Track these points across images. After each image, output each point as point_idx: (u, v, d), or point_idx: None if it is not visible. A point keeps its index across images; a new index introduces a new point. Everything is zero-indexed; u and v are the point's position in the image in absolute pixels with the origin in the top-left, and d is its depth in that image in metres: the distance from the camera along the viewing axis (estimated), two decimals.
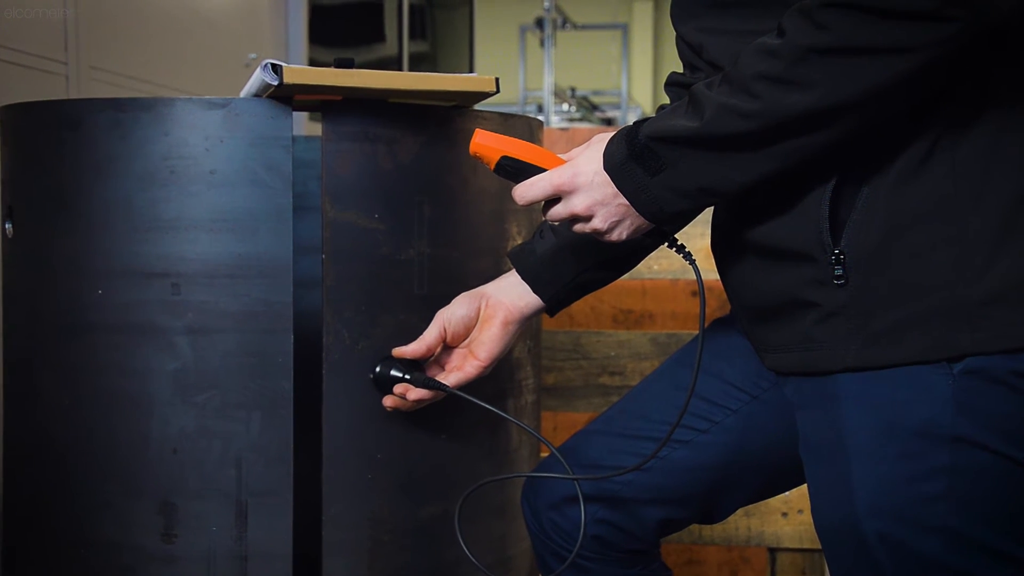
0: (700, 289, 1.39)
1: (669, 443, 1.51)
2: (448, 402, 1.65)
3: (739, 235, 1.33)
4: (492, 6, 12.52)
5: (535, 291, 1.57)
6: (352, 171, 1.64)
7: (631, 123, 1.28)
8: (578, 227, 1.33)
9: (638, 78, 15.83)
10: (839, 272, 1.21)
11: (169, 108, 1.62)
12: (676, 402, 1.50)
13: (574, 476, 1.51)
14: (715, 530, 2.57)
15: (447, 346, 1.61)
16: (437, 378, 1.59)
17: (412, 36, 6.10)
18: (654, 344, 2.59)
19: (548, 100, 10.97)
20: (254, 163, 1.62)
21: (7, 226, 1.76)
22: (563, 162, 1.33)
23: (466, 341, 1.61)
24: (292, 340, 1.63)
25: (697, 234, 2.38)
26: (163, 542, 1.63)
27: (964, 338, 1.18)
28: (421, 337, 1.59)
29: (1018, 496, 1.21)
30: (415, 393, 1.57)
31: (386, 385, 1.61)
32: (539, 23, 10.97)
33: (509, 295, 1.58)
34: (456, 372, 1.59)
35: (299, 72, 1.54)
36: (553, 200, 1.34)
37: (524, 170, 1.35)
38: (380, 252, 1.66)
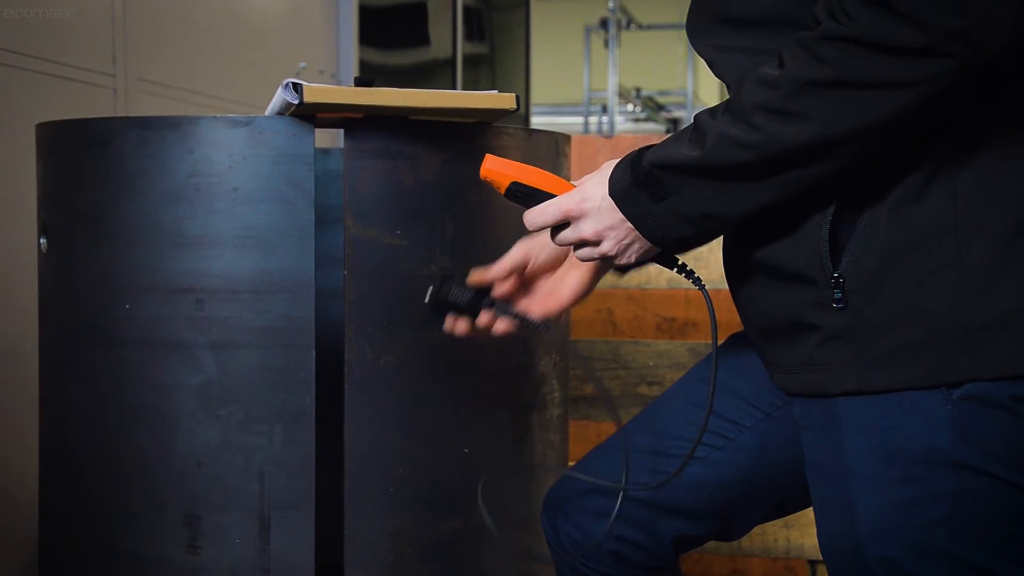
0: (710, 311, 1.39)
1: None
2: (470, 412, 1.66)
3: (744, 254, 1.33)
4: (556, 7, 12.51)
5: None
6: (374, 188, 1.66)
7: (635, 149, 1.28)
8: (584, 252, 1.33)
9: (704, 77, 15.71)
10: (838, 296, 1.21)
11: (194, 126, 1.65)
12: (692, 418, 1.50)
13: (622, 487, 1.49)
14: (754, 541, 2.56)
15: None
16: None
17: (469, 38, 6.13)
18: (693, 354, 2.58)
19: (613, 101, 10.94)
20: (277, 180, 1.64)
21: (42, 241, 1.80)
22: (572, 187, 1.33)
23: (544, 278, 1.50)
24: (314, 355, 1.65)
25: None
26: (188, 554, 1.66)
27: (963, 364, 1.17)
28: (501, 261, 1.46)
29: (1020, 521, 1.20)
30: (491, 321, 1.44)
31: (443, 309, 1.45)
32: (603, 24, 10.94)
33: None
34: (536, 308, 1.47)
35: (319, 91, 1.56)
36: (562, 225, 1.34)
37: (534, 195, 1.35)
38: (402, 268, 1.68)
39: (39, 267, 1.83)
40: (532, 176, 1.34)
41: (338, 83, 4.03)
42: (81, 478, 1.75)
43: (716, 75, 1.36)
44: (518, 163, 1.35)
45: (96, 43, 2.74)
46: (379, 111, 1.62)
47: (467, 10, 6.03)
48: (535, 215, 1.34)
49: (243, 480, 1.65)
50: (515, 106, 1.63)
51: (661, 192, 1.23)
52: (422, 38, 5.49)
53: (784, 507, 1.56)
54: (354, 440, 1.66)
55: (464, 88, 5.78)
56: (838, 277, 1.20)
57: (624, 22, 11.63)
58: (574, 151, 2.47)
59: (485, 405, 1.76)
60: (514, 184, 1.35)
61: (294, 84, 1.57)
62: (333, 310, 1.77)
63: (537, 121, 11.46)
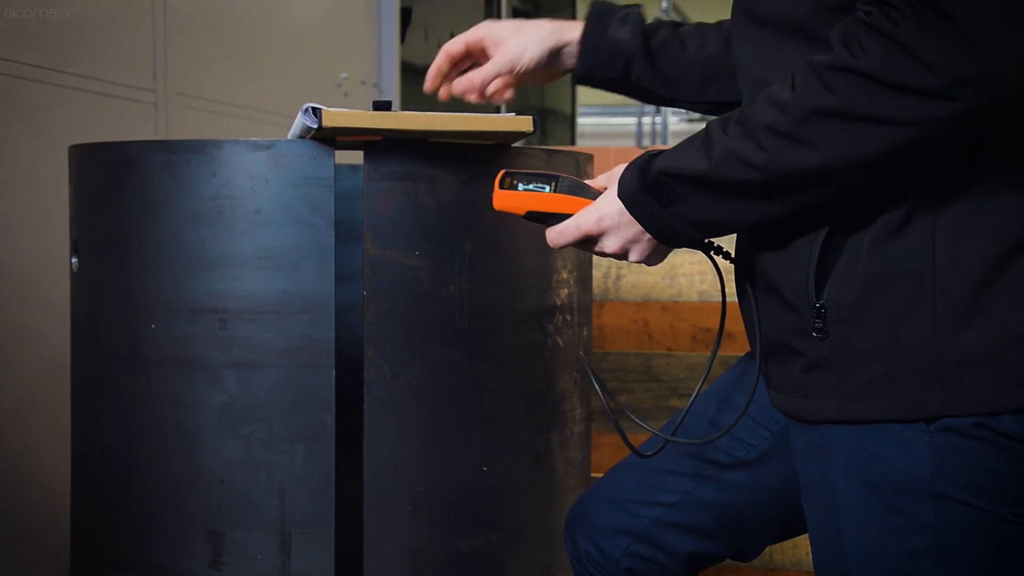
0: (722, 293, 1.43)
1: (696, 478, 1.54)
2: (489, 430, 1.68)
3: (744, 267, 1.34)
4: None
5: (578, 58, 1.63)
6: (393, 210, 1.68)
7: (645, 153, 1.30)
8: (612, 258, 1.36)
9: None
10: (819, 325, 1.22)
11: (217, 150, 1.68)
12: (704, 420, 1.56)
13: (668, 437, 1.49)
14: (786, 555, 2.56)
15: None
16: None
17: None
18: (724, 367, 2.58)
19: None
20: (298, 203, 1.67)
21: (73, 260, 1.84)
22: (588, 202, 1.35)
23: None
24: (334, 375, 1.67)
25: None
26: (211, 569, 1.69)
27: (936, 399, 1.18)
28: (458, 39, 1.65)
29: (1004, 550, 1.20)
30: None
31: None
32: None
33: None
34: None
35: (337, 116, 1.59)
36: (586, 240, 1.36)
37: (552, 216, 1.37)
38: (421, 288, 1.70)
39: (71, 286, 1.88)
40: (544, 202, 1.36)
41: (380, 93, 4.06)
42: (111, 493, 1.79)
43: (738, 76, 1.36)
44: (528, 193, 1.37)
45: (136, 59, 2.79)
46: (398, 134, 1.64)
47: (514, 11, 6.08)
48: (556, 236, 1.37)
49: (265, 497, 1.68)
50: (532, 128, 1.65)
51: (669, 198, 1.25)
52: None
53: (791, 528, 1.57)
54: (374, 458, 1.69)
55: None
56: (820, 307, 1.21)
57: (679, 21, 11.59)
58: (617, 161, 2.47)
59: (504, 423, 1.77)
60: (529, 213, 1.37)
61: (313, 108, 1.60)
62: (355, 323, 1.79)
63: (588, 122, 11.45)
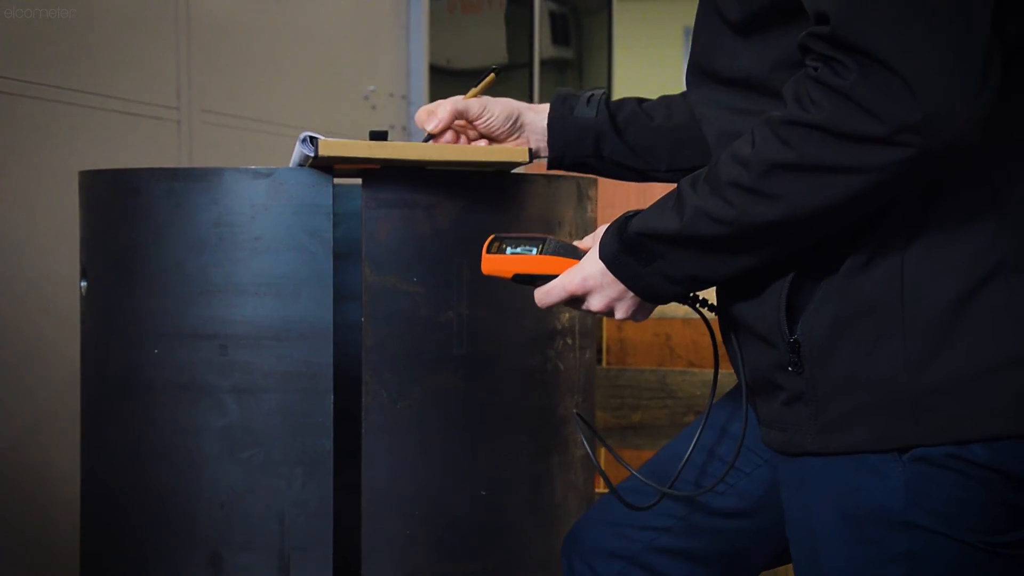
0: (714, 347, 1.44)
1: (689, 504, 1.55)
2: (488, 454, 1.69)
3: (724, 312, 1.37)
4: (654, 8, 12.47)
5: (549, 143, 1.66)
6: (391, 237, 1.70)
7: (622, 215, 1.32)
8: (600, 316, 1.39)
9: None
10: (795, 360, 1.24)
11: (218, 177, 1.71)
12: (697, 461, 1.56)
13: (665, 489, 1.52)
14: None
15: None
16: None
17: (555, 42, 6.23)
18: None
19: None
20: (297, 230, 1.69)
21: (82, 284, 1.88)
22: (573, 263, 1.38)
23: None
24: (332, 400, 1.69)
25: None
26: None
27: (908, 430, 1.20)
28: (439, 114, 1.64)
29: None
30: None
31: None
32: None
33: (535, 131, 1.67)
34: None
35: (334, 145, 1.60)
36: (573, 299, 1.39)
37: (539, 278, 1.40)
38: (419, 314, 1.71)
39: (80, 309, 1.91)
40: (529, 264, 1.39)
41: (408, 105, 4.09)
42: (116, 513, 1.82)
43: (704, 131, 1.39)
44: (513, 256, 1.39)
45: (160, 77, 2.83)
46: (394, 163, 1.66)
47: (552, 15, 6.12)
48: (543, 296, 1.41)
49: (264, 520, 1.70)
50: (528, 159, 1.66)
51: (648, 257, 1.29)
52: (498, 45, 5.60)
53: (784, 556, 1.57)
54: (372, 482, 1.71)
55: (543, 91, 5.87)
56: (794, 342, 1.24)
57: None
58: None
59: (503, 447, 1.79)
60: (516, 275, 1.40)
61: (311, 137, 1.62)
62: (353, 344, 1.80)
63: None
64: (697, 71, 1.40)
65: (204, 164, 2.95)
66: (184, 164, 2.86)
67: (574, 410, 1.53)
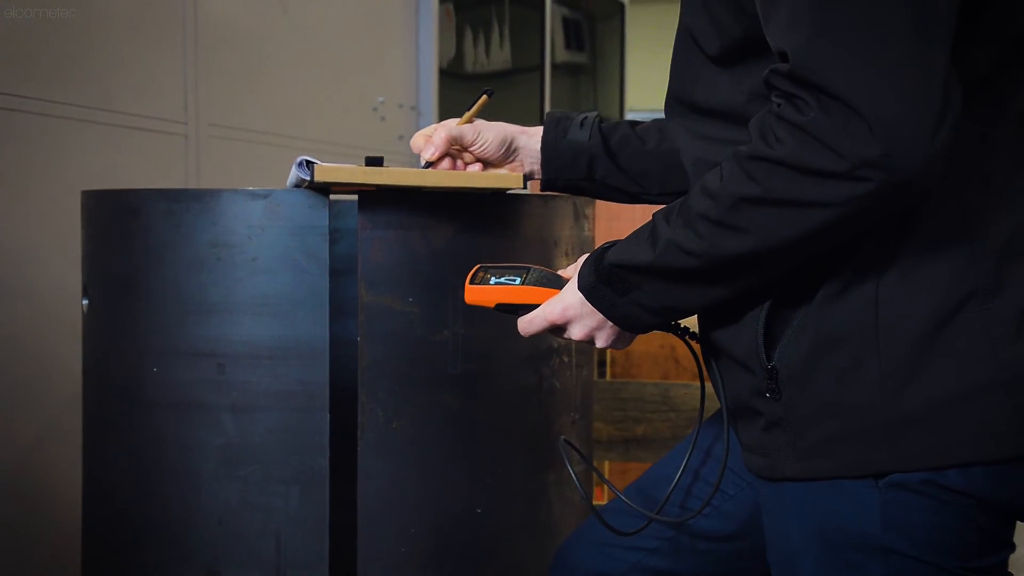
0: (700, 374, 1.46)
1: (676, 527, 1.57)
2: (483, 472, 1.70)
3: (706, 339, 1.38)
4: (670, 13, 12.44)
5: (542, 166, 1.68)
6: (387, 258, 1.72)
7: (600, 247, 1.34)
8: (582, 345, 1.40)
9: None
10: (773, 386, 1.26)
11: (216, 199, 1.73)
12: (683, 483, 1.58)
13: (652, 515, 1.54)
14: None
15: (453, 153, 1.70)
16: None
17: (567, 47, 6.26)
18: None
19: None
20: (293, 251, 1.71)
21: (84, 302, 1.90)
22: (555, 292, 1.40)
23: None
24: (328, 419, 1.71)
25: None
26: None
27: (884, 456, 1.21)
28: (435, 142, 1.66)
29: None
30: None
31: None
32: None
33: (529, 154, 1.70)
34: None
35: (329, 171, 1.62)
36: (555, 327, 1.41)
37: (521, 307, 1.42)
38: (415, 334, 1.73)
39: (82, 326, 1.94)
40: (511, 294, 1.41)
41: (418, 115, 4.10)
42: (116, 529, 1.84)
43: (683, 160, 1.41)
44: (496, 287, 1.41)
45: (167, 91, 2.85)
46: (389, 188, 1.67)
47: (565, 20, 6.14)
48: (525, 325, 1.43)
49: (260, 538, 1.72)
50: (522, 185, 1.68)
51: (624, 287, 1.31)
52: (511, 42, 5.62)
53: None
54: (367, 500, 1.72)
55: (555, 95, 5.90)
56: (772, 368, 1.26)
57: None
58: None
59: (498, 465, 1.80)
60: (498, 305, 1.42)
61: (307, 161, 1.64)
62: (352, 357, 1.82)
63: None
64: (675, 101, 1.42)
65: (211, 178, 2.98)
66: (191, 178, 2.89)
67: (561, 436, 1.54)
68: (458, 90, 4.44)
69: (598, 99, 6.94)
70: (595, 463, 3.18)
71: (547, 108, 5.81)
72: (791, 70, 1.13)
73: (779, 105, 1.15)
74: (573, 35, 6.50)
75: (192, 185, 2.90)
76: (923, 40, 1.09)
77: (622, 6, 6.91)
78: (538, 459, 1.84)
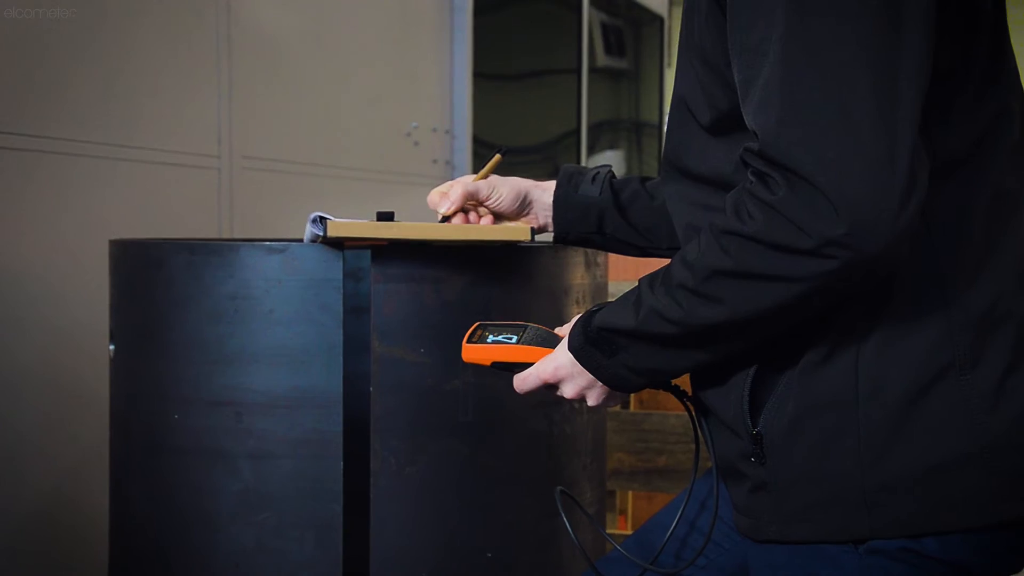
0: (695, 433, 1.48)
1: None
2: (494, 517, 1.75)
3: (696, 399, 1.43)
4: None
5: (554, 219, 1.73)
6: (399, 310, 1.76)
7: (588, 310, 1.38)
8: (574, 402, 1.44)
9: None
10: (758, 451, 1.29)
11: (234, 252, 1.78)
12: (679, 534, 1.60)
13: (647, 565, 1.57)
14: None
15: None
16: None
17: (608, 52, 6.29)
18: None
19: None
20: (308, 303, 1.76)
21: (111, 347, 1.96)
22: (549, 351, 1.44)
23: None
24: (342, 467, 1.76)
25: None
26: None
27: (863, 523, 1.25)
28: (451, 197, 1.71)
29: None
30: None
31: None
32: None
33: (543, 207, 1.75)
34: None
35: (342, 226, 1.67)
36: (548, 385, 1.45)
37: (516, 365, 1.46)
38: (426, 383, 1.78)
39: (109, 371, 2.00)
40: (506, 353, 1.45)
41: (452, 139, 4.15)
42: (142, 569, 1.90)
43: (674, 224, 1.45)
44: (492, 346, 1.45)
45: (200, 125, 2.91)
46: (401, 242, 1.72)
47: (604, 26, 6.17)
48: (520, 382, 1.47)
49: None
50: (530, 238, 1.72)
51: (611, 349, 1.35)
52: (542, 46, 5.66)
53: None
54: (380, 545, 1.77)
55: (593, 99, 5.93)
56: (757, 434, 1.29)
57: None
58: None
59: (509, 510, 1.84)
60: (494, 363, 1.46)
61: (321, 218, 1.69)
62: (362, 393, 1.86)
63: None
64: (669, 166, 1.46)
65: (245, 211, 3.04)
66: (224, 212, 2.95)
67: (558, 488, 1.57)
68: (490, 92, 4.44)
69: (639, 105, 6.99)
70: (617, 493, 3.22)
71: (584, 111, 5.84)
72: (760, 149, 1.16)
73: (752, 182, 1.19)
74: (614, 41, 6.54)
75: (226, 219, 2.96)
76: (888, 122, 1.12)
77: (661, 19, 6.93)
78: (549, 504, 1.88)
